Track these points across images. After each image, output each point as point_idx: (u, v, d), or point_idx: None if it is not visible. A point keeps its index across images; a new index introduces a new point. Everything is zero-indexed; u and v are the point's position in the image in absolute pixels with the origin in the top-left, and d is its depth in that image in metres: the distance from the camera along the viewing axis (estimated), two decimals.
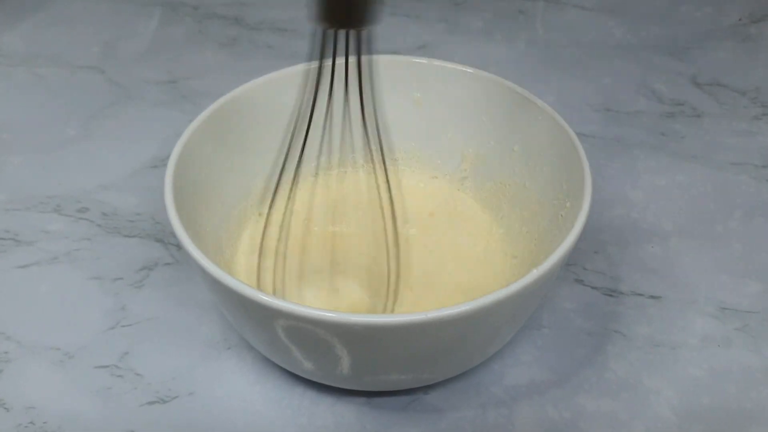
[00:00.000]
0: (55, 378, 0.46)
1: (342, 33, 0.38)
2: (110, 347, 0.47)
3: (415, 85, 0.52)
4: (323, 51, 0.39)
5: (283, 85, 0.50)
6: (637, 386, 0.45)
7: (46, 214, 0.57)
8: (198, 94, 0.69)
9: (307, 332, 0.35)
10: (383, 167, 0.46)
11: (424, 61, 0.52)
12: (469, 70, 0.51)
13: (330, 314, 0.34)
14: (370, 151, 0.48)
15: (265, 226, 0.49)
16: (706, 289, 0.51)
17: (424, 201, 0.53)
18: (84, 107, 0.68)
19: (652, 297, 0.51)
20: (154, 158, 0.62)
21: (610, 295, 0.51)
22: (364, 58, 0.40)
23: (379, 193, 0.48)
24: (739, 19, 0.81)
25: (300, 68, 0.50)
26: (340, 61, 0.40)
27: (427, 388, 0.45)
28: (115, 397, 0.45)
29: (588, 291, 0.51)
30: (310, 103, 0.42)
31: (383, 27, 0.81)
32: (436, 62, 0.52)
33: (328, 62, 0.40)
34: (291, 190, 0.49)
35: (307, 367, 0.40)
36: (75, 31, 0.79)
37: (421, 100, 0.53)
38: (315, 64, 0.40)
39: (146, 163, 0.61)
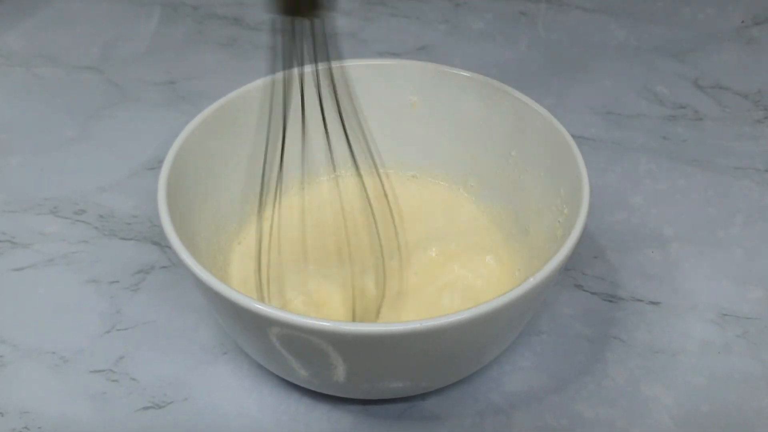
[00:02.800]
0: (50, 382, 0.45)
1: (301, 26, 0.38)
2: (105, 351, 0.47)
3: (411, 88, 0.52)
4: (287, 47, 0.38)
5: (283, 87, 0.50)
6: (636, 393, 0.45)
7: (42, 216, 0.56)
8: (197, 95, 0.69)
9: (302, 341, 0.35)
10: (376, 171, 0.45)
11: (419, 64, 0.51)
12: (465, 74, 0.50)
13: (325, 323, 0.33)
14: (352, 155, 0.47)
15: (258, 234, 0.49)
16: (707, 295, 0.51)
17: (419, 205, 0.53)
18: (82, 108, 0.68)
19: (652, 303, 0.50)
20: (152, 160, 0.61)
21: (610, 301, 0.50)
22: (330, 51, 0.39)
23: (367, 196, 0.48)
24: (742, 22, 0.80)
25: (298, 71, 0.50)
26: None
27: (424, 395, 0.44)
28: (110, 402, 0.44)
29: (587, 296, 0.51)
30: (281, 106, 0.42)
31: (383, 28, 0.80)
32: (432, 66, 0.51)
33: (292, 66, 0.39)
34: (276, 197, 0.48)
35: (302, 375, 0.40)
36: (74, 31, 0.78)
37: (417, 104, 0.52)
38: (279, 65, 0.40)
39: (144, 165, 0.61)
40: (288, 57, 0.39)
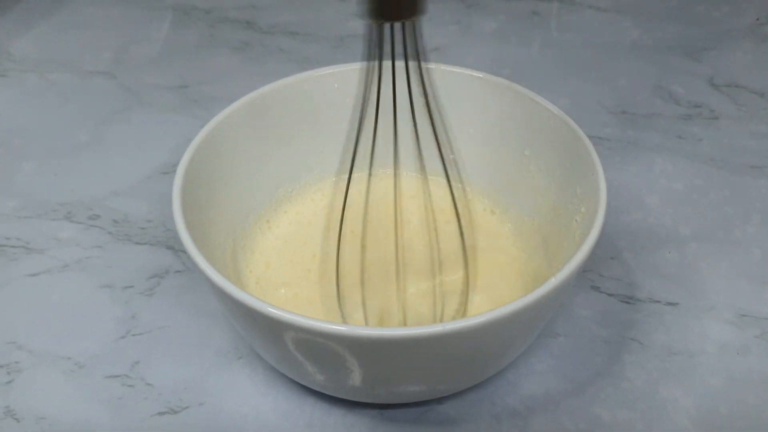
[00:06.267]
0: (65, 388, 0.45)
1: (391, 28, 0.38)
2: (121, 357, 0.47)
3: (422, 89, 0.51)
4: (378, 49, 0.38)
5: (296, 90, 0.50)
6: (654, 395, 0.45)
7: (57, 221, 0.56)
8: (210, 99, 0.69)
9: (318, 345, 0.35)
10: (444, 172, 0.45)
11: (431, 65, 0.51)
12: (477, 75, 0.50)
13: (341, 327, 0.33)
14: (441, 154, 0.46)
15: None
16: (725, 296, 0.50)
17: (435, 206, 0.52)
18: (95, 113, 0.68)
19: (670, 304, 0.50)
20: (165, 164, 0.61)
21: (627, 302, 0.50)
22: (420, 54, 0.39)
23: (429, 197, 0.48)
24: (757, 19, 0.79)
25: (311, 74, 0.50)
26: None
27: (440, 399, 0.44)
28: (126, 407, 0.44)
29: (604, 298, 0.50)
30: (365, 104, 0.41)
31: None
32: (444, 67, 0.51)
33: (384, 61, 0.40)
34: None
35: (318, 379, 0.40)
36: (86, 36, 0.79)
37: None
38: (372, 63, 0.40)
39: (157, 169, 0.61)
40: (375, 56, 0.39)
